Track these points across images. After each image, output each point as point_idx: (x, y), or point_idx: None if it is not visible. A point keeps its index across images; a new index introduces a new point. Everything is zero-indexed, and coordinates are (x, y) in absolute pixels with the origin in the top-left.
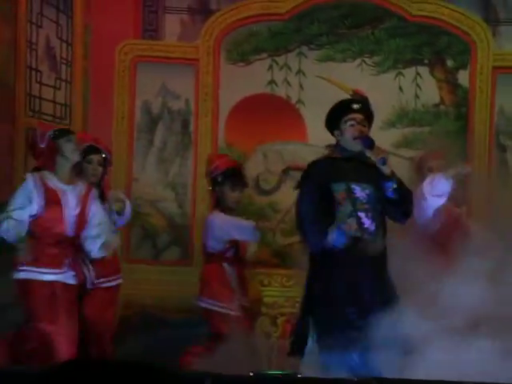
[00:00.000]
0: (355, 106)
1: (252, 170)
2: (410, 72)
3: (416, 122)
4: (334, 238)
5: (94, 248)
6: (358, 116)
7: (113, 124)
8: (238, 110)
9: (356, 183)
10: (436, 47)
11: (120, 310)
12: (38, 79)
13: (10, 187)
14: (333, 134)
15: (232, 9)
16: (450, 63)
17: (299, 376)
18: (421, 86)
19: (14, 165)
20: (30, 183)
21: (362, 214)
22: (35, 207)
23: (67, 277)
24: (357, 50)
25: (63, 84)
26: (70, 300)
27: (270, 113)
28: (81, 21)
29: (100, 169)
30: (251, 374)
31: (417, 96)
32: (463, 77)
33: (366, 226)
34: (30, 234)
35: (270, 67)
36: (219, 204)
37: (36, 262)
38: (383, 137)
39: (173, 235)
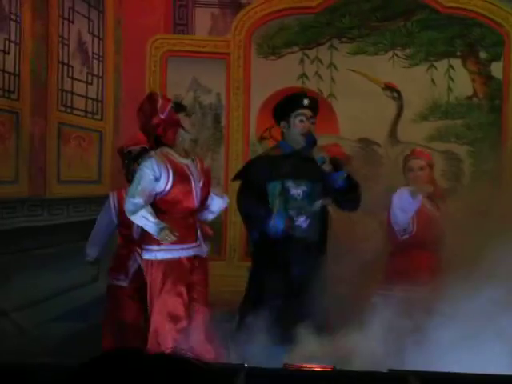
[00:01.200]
0: (306, 102)
1: None
2: (442, 64)
3: (449, 114)
4: (274, 223)
5: (211, 217)
6: (308, 112)
7: None
8: (269, 103)
9: (292, 180)
10: (469, 39)
11: None
12: (70, 74)
13: (42, 180)
14: (278, 124)
15: (263, 2)
16: (482, 55)
17: (333, 369)
18: (453, 79)
19: (46, 158)
20: (154, 162)
21: (293, 212)
22: (163, 184)
23: (201, 250)
24: (388, 42)
25: (95, 79)
26: (205, 272)
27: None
28: (112, 16)
29: None
30: (284, 366)
31: (449, 88)
32: (496, 69)
33: (297, 223)
34: (158, 211)
35: (302, 61)
36: None
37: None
38: (415, 130)
39: None
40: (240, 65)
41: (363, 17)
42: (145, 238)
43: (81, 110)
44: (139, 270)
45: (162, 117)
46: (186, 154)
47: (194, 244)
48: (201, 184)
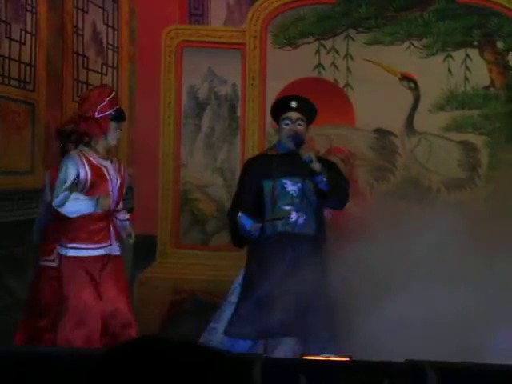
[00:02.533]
0: (292, 104)
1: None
2: (459, 54)
3: (465, 104)
4: (241, 223)
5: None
6: (294, 114)
7: (159, 109)
8: (285, 94)
9: (288, 177)
10: (486, 29)
11: (169, 295)
12: (85, 65)
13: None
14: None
15: None
16: (500, 45)
17: (349, 359)
18: (470, 69)
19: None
20: (75, 160)
21: (289, 208)
22: (82, 183)
23: (114, 249)
24: (405, 32)
25: (110, 69)
26: (120, 271)
27: (318, 97)
28: (127, 6)
29: None
30: (301, 357)
31: (466, 79)
32: None
33: (293, 219)
34: None
35: (318, 51)
36: None
37: (85, 238)
38: (432, 120)
39: (221, 220)
40: (256, 55)
41: (380, 6)
42: (61, 231)
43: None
44: None
45: (96, 115)
46: (107, 156)
47: (105, 243)
48: (118, 185)
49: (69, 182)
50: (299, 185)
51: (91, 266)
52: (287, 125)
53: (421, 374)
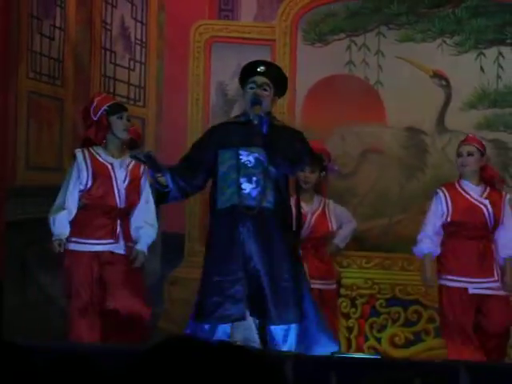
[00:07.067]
0: (260, 69)
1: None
2: (491, 52)
3: (498, 103)
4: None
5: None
6: (260, 79)
7: (187, 106)
8: (315, 91)
9: (244, 148)
10: None
11: None
12: (113, 60)
13: None
14: None
15: None
16: None
17: (381, 358)
18: (503, 67)
19: None
20: (79, 159)
21: (243, 180)
22: (84, 181)
23: (117, 247)
24: (437, 29)
25: (137, 65)
26: (122, 270)
27: (348, 94)
28: (155, 0)
29: None
30: (331, 355)
31: (499, 77)
32: None
33: (246, 191)
34: (81, 206)
35: (348, 48)
36: (296, 185)
37: (85, 233)
38: (464, 118)
39: None
40: (286, 52)
41: (411, 3)
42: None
43: (123, 97)
44: None
45: (94, 119)
46: (119, 154)
47: (106, 240)
48: (126, 183)
49: (71, 184)
50: (256, 154)
51: (89, 261)
52: (252, 89)
53: (453, 374)
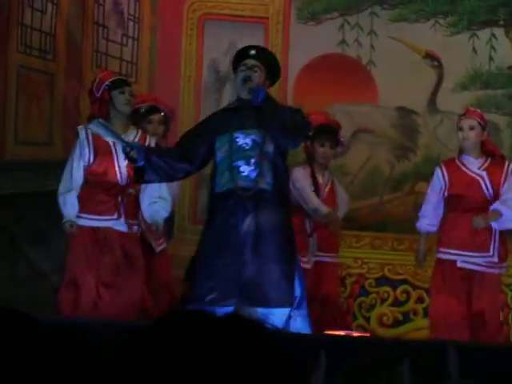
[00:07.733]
0: (251, 52)
1: None
2: (484, 33)
3: (490, 84)
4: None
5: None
6: (251, 61)
7: (179, 82)
8: (307, 70)
9: (240, 131)
10: None
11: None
12: (105, 35)
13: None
14: None
15: None
16: None
17: (370, 336)
18: (496, 48)
19: (79, 121)
20: (82, 136)
21: (240, 163)
22: (86, 158)
23: (118, 223)
24: (430, 10)
25: (130, 41)
26: (123, 247)
27: (340, 74)
28: None
29: (161, 128)
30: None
31: (491, 58)
32: None
33: (244, 174)
34: (85, 182)
35: (341, 27)
36: (309, 158)
37: (86, 208)
38: (455, 99)
39: None
40: (279, 30)
41: None
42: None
43: (115, 73)
44: None
45: (97, 95)
46: (123, 130)
47: (106, 216)
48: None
49: (75, 161)
50: (252, 137)
51: (88, 235)
52: (243, 71)
53: (442, 353)
